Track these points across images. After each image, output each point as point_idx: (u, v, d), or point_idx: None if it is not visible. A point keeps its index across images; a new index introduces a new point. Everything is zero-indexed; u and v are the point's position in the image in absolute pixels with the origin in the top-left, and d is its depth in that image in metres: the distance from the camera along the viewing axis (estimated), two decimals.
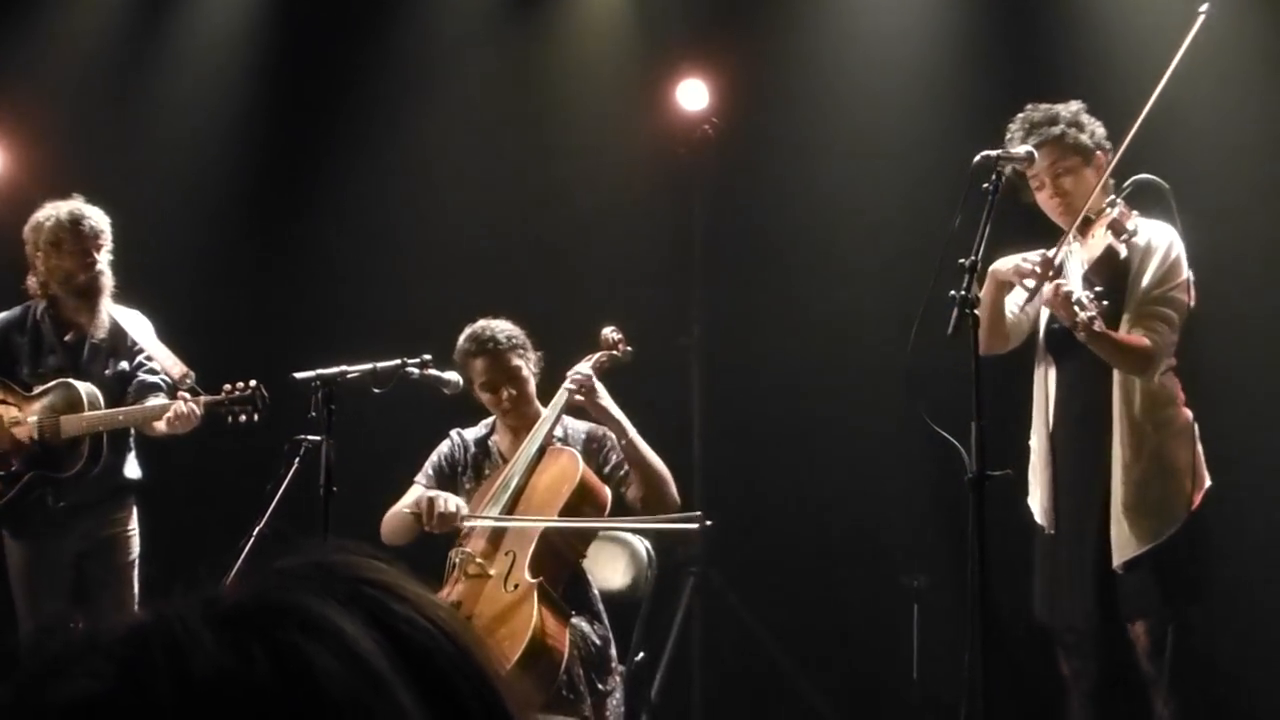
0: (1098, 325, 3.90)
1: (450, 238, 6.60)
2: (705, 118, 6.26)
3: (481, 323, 4.54)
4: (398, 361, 4.53)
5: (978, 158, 4.01)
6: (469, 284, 5.98)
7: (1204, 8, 4.22)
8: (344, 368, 4.46)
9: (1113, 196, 4.23)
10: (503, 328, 4.52)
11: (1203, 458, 4.27)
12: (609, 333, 4.64)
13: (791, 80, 6.40)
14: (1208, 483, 4.27)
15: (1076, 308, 3.88)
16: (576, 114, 6.64)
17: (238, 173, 6.70)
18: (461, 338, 4.54)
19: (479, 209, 6.61)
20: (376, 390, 4.50)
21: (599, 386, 4.47)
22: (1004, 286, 4.30)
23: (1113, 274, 4.22)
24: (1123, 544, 4.17)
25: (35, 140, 6.30)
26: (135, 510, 5.05)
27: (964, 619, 3.81)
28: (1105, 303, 3.97)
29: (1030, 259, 4.15)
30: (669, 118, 6.34)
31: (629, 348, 4.63)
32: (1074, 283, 4.04)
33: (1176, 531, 4.17)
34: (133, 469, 5.05)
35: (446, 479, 4.58)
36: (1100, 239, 4.23)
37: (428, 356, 4.56)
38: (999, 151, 4.06)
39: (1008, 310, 4.35)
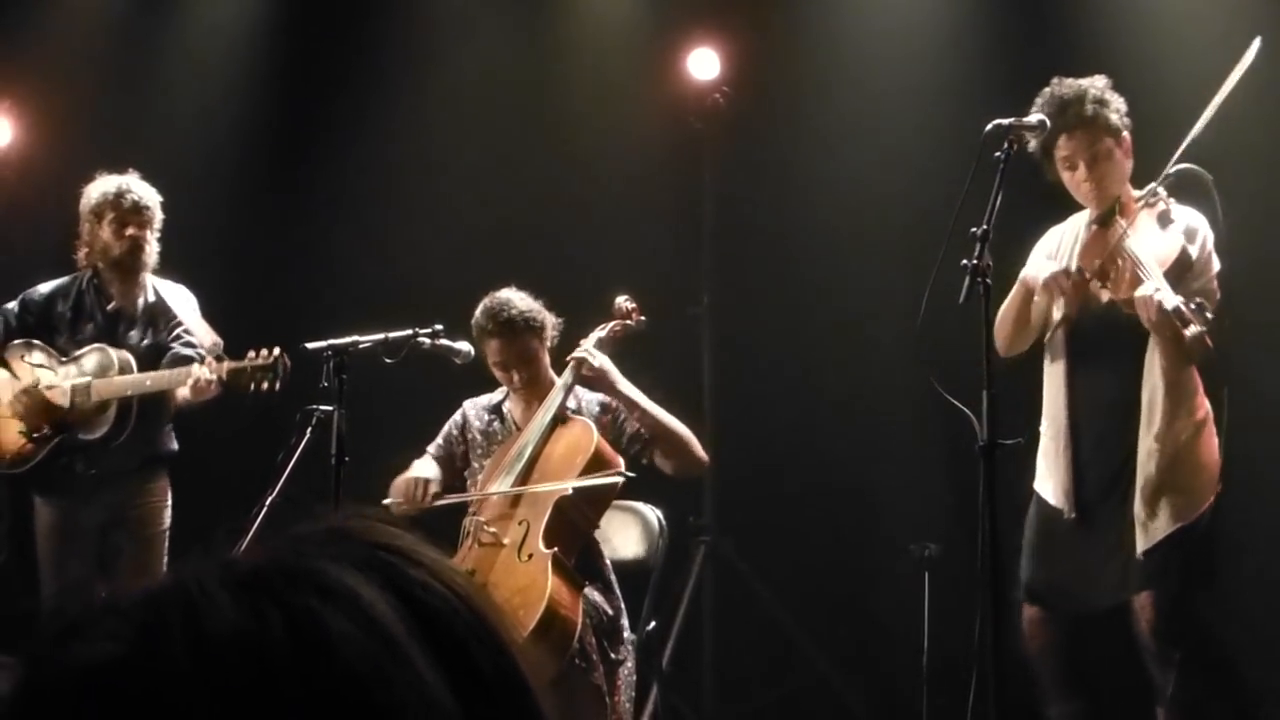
0: (1209, 340, 3.81)
1: (461, 207, 6.59)
2: (716, 87, 6.23)
3: (502, 297, 4.49)
4: (409, 331, 4.52)
5: (990, 126, 3.99)
6: (481, 253, 5.98)
7: (1257, 41, 4.13)
8: (356, 338, 4.46)
9: (1154, 185, 4.19)
10: (521, 308, 4.46)
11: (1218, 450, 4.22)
12: (623, 301, 4.63)
13: (803, 49, 6.37)
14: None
15: (1178, 322, 3.82)
16: (588, 83, 6.61)
17: (250, 144, 6.70)
18: (480, 311, 4.49)
19: (491, 178, 6.60)
20: (388, 360, 4.49)
21: (609, 365, 4.46)
22: (1032, 292, 4.28)
23: (1179, 277, 4.11)
24: (1148, 528, 4.14)
25: (46, 113, 6.30)
26: (169, 483, 5.08)
27: (974, 587, 3.81)
28: (1210, 315, 3.85)
29: (1062, 275, 4.12)
30: (680, 87, 6.31)
31: (642, 317, 4.62)
32: (1163, 287, 3.93)
33: (1198, 515, 4.15)
34: (169, 441, 5.08)
35: (455, 449, 4.62)
36: (1154, 235, 4.15)
37: (439, 326, 4.56)
38: (1011, 120, 4.03)
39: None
